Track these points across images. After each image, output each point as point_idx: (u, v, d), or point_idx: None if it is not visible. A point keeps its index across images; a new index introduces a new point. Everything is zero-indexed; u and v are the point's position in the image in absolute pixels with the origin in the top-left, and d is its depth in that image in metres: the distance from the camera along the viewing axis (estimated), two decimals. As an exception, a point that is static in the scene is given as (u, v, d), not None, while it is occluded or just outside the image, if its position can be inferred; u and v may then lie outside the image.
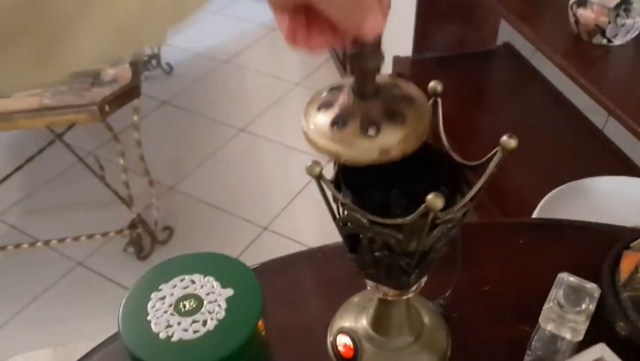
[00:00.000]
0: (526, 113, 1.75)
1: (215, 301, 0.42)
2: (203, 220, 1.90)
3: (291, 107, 2.38)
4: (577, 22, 1.26)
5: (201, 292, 0.43)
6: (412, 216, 0.38)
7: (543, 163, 1.55)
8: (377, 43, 0.37)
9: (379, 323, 0.51)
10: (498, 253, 0.67)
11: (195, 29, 2.95)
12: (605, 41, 1.25)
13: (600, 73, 1.26)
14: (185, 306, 0.42)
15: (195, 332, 0.40)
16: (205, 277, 0.43)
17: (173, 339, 0.40)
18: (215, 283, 0.43)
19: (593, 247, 0.66)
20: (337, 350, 0.52)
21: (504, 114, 1.78)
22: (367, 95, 0.40)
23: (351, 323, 0.53)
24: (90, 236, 1.67)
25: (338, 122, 0.39)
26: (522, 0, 1.46)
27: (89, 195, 1.95)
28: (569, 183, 1.21)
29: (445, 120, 0.45)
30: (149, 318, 0.41)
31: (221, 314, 0.41)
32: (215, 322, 0.41)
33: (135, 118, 1.60)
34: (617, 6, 1.20)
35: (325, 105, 0.40)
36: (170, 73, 2.59)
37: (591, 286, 0.52)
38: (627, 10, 1.20)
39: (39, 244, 1.68)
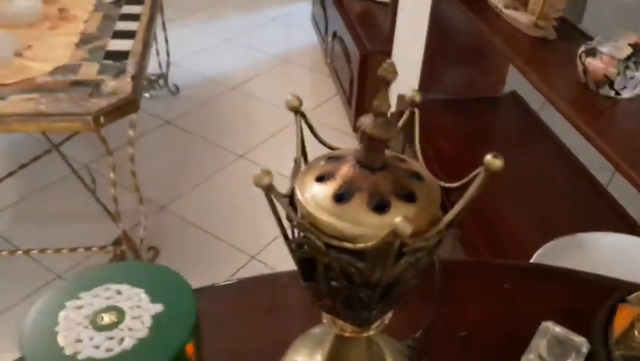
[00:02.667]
0: (530, 163, 1.72)
1: (140, 316, 0.37)
2: (191, 243, 1.85)
3: (293, 138, 2.35)
4: (585, 71, 1.24)
5: (125, 305, 0.37)
6: (375, 242, 0.33)
7: (543, 214, 1.50)
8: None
9: (334, 362, 0.46)
10: (480, 295, 0.61)
11: (207, 55, 2.97)
12: (612, 93, 1.22)
13: (606, 125, 1.23)
14: (102, 319, 0.36)
15: (108, 350, 0.34)
16: (133, 288, 0.38)
17: (80, 357, 0.34)
18: (144, 297, 0.38)
19: (586, 297, 0.61)
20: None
21: (507, 161, 1.74)
22: (375, 168, 0.36)
23: (304, 359, 0.47)
24: (73, 249, 1.62)
25: (342, 196, 0.35)
26: (531, 45, 1.44)
27: (79, 208, 1.91)
28: (567, 236, 1.16)
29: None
30: (57, 329, 0.35)
31: (144, 333, 0.36)
32: (134, 341, 0.35)
33: (131, 133, 1.57)
34: (627, 58, 1.18)
35: (325, 176, 0.37)
36: (177, 94, 2.59)
37: (579, 339, 0.46)
38: (637, 63, 1.18)
39: (19, 252, 1.64)
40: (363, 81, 2.21)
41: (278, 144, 2.32)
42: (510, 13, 1.54)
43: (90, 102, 1.50)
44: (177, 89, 2.58)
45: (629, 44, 1.18)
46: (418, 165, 0.38)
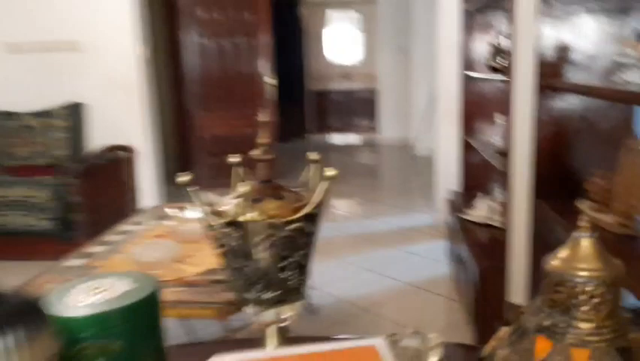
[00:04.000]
0: None
1: (121, 285, 0.58)
2: None
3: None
4: (657, 255, 1.23)
5: (111, 283, 0.58)
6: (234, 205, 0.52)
7: None
8: None
9: None
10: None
11: (347, 281, 3.27)
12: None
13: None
14: (98, 288, 0.58)
15: (105, 291, 0.56)
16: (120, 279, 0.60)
17: (80, 304, 0.55)
18: (126, 281, 0.59)
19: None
20: None
21: None
22: (264, 180, 0.59)
23: None
24: None
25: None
26: (618, 242, 1.46)
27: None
28: None
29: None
30: (66, 297, 0.57)
31: (124, 289, 0.57)
32: (125, 287, 0.57)
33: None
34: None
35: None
36: (313, 313, 2.83)
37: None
38: None
39: None
40: (483, 294, 2.26)
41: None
42: (596, 215, 1.61)
43: (221, 295, 1.81)
44: (316, 309, 2.83)
45: (697, 227, 1.19)
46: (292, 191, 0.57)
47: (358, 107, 8.03)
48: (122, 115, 3.75)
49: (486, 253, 2.43)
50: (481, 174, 3.27)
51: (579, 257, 0.47)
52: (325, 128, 8.09)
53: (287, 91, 6.45)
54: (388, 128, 7.60)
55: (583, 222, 0.47)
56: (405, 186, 5.73)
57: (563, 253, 0.49)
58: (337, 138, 8.17)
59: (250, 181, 0.53)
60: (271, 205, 0.53)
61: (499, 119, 2.83)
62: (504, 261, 2.22)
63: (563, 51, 1.82)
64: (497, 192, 2.86)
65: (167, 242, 2.24)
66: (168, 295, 1.87)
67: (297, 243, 0.54)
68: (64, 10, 3.65)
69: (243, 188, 0.50)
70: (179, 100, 5.15)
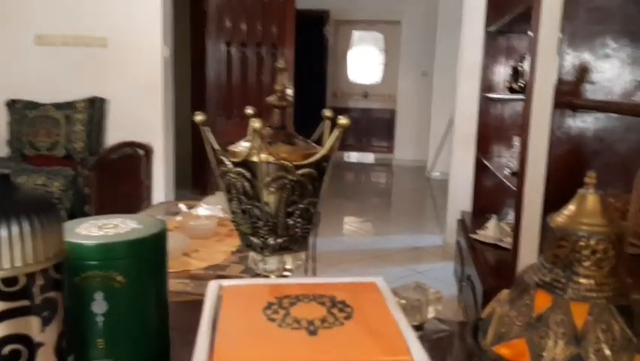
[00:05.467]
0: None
1: (131, 223, 0.60)
2: None
3: None
4: (667, 273, 1.22)
5: (118, 221, 0.60)
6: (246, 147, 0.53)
7: None
8: None
9: None
10: None
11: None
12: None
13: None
14: (107, 224, 0.59)
15: (116, 227, 0.58)
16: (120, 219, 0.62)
17: (92, 234, 0.57)
18: (133, 222, 0.60)
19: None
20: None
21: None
22: (276, 127, 0.61)
23: None
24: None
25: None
26: (630, 262, 1.44)
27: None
28: None
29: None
30: (78, 230, 0.58)
31: (134, 226, 0.59)
32: (133, 225, 0.58)
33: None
34: None
35: None
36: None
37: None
38: None
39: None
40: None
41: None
42: (607, 235, 1.59)
43: (225, 288, 1.82)
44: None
45: None
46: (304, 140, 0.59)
47: (376, 127, 8.07)
48: (142, 113, 3.81)
49: (493, 273, 2.41)
50: (494, 196, 3.25)
51: (584, 212, 0.47)
52: (342, 145, 8.12)
53: (308, 106, 6.51)
54: (405, 149, 7.61)
55: (589, 179, 0.48)
56: (417, 207, 5.71)
57: (568, 209, 0.49)
58: (354, 156, 8.19)
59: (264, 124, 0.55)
60: (283, 149, 0.54)
61: (516, 142, 2.83)
62: (511, 281, 2.20)
63: (583, 71, 1.83)
64: (509, 214, 2.85)
65: (177, 235, 2.25)
66: (174, 285, 1.88)
67: (306, 189, 0.54)
68: (95, 6, 3.74)
69: (255, 123, 0.51)
70: (200, 105, 5.23)
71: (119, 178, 3.59)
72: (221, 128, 4.87)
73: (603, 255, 0.46)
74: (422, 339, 0.52)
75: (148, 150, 3.82)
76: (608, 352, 0.44)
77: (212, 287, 0.45)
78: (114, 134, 3.82)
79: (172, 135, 4.00)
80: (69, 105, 3.69)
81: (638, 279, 1.41)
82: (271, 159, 0.53)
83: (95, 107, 3.71)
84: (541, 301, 0.47)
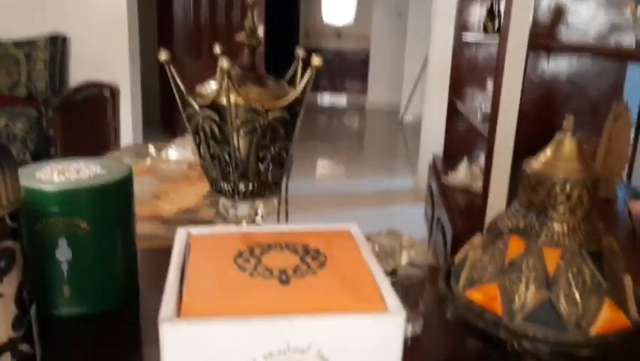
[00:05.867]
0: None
1: (93, 168, 0.57)
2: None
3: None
4: (630, 215, 1.25)
5: (80, 165, 0.57)
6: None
7: None
8: None
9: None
10: None
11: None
12: (662, 236, 1.20)
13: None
14: (68, 170, 0.56)
15: (79, 172, 0.55)
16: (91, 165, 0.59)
17: (54, 180, 0.54)
18: (97, 167, 0.58)
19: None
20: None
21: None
22: (246, 69, 0.57)
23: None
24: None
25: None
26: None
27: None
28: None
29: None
30: (38, 174, 0.55)
31: (97, 171, 0.56)
32: (97, 171, 0.56)
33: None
34: (671, 201, 1.19)
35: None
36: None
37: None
38: (683, 207, 1.18)
39: None
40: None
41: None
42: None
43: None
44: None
45: (673, 189, 1.20)
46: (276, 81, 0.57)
47: (349, 69, 7.95)
48: (107, 52, 3.65)
49: (462, 216, 2.45)
50: (466, 140, 3.27)
51: (560, 157, 0.46)
52: (315, 87, 8.02)
53: (279, 47, 6.35)
54: (378, 92, 7.55)
55: (567, 123, 0.47)
56: (390, 150, 5.73)
57: (544, 154, 0.48)
58: (326, 99, 8.11)
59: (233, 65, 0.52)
60: (253, 91, 0.52)
61: (490, 85, 2.82)
62: (480, 225, 2.24)
63: (558, 13, 1.80)
64: (481, 158, 2.88)
65: (147, 178, 2.21)
66: (144, 228, 1.86)
67: (277, 133, 0.52)
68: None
69: (224, 63, 0.48)
70: (167, 44, 5.04)
71: (84, 120, 3.48)
72: (189, 69, 4.73)
73: (578, 201, 0.45)
74: (395, 284, 0.52)
75: (114, 91, 3.70)
76: (577, 296, 0.45)
77: (180, 235, 0.43)
78: (78, 74, 3.67)
79: (138, 75, 3.87)
80: (30, 43, 3.51)
81: (604, 221, 1.45)
82: (241, 101, 0.50)
83: (57, 44, 3.54)
84: (515, 246, 0.47)
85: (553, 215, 0.46)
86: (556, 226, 0.46)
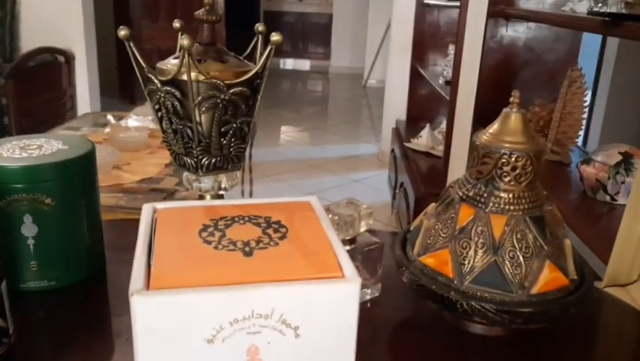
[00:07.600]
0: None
1: (55, 145, 0.58)
2: None
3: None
4: (581, 178, 1.32)
5: (42, 141, 0.58)
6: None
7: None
8: None
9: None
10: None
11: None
12: (608, 198, 1.27)
13: (605, 230, 1.26)
14: (30, 147, 0.57)
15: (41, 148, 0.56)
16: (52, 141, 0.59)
17: (15, 156, 0.54)
18: (58, 142, 0.58)
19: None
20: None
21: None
22: (206, 43, 0.57)
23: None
24: None
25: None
26: (549, 168, 1.55)
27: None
28: None
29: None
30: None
31: (63, 145, 0.56)
32: (59, 146, 0.56)
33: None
34: (617, 164, 1.25)
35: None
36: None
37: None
38: (628, 170, 1.24)
39: None
40: (415, 220, 2.36)
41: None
42: (530, 143, 1.68)
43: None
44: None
45: (620, 153, 1.27)
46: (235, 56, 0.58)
47: (312, 33, 7.86)
48: (59, 16, 3.51)
49: (425, 181, 2.50)
50: (429, 105, 3.32)
51: (507, 131, 0.50)
52: (278, 52, 7.88)
53: (241, 9, 6.22)
54: (341, 56, 7.51)
55: (514, 97, 0.50)
56: (354, 115, 5.75)
57: (492, 127, 0.51)
58: (289, 63, 8.02)
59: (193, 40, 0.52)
60: (213, 67, 0.52)
61: (452, 50, 2.85)
62: (442, 189, 2.31)
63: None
64: (443, 123, 2.93)
65: (107, 148, 2.18)
66: (107, 200, 1.84)
67: (239, 108, 0.53)
68: None
69: (184, 40, 0.48)
70: (123, 6, 4.86)
71: (38, 87, 3.37)
72: (147, 33, 4.59)
73: (522, 170, 0.49)
74: (354, 251, 0.55)
75: (69, 57, 3.57)
76: (521, 258, 0.49)
77: (146, 210, 0.45)
78: (30, 40, 3.52)
79: (94, 40, 3.74)
80: (-25, 6, 3.35)
81: (557, 185, 1.52)
82: (201, 77, 0.51)
83: (6, 8, 3.38)
84: (465, 214, 0.50)
85: (500, 185, 0.49)
86: (503, 195, 0.49)
